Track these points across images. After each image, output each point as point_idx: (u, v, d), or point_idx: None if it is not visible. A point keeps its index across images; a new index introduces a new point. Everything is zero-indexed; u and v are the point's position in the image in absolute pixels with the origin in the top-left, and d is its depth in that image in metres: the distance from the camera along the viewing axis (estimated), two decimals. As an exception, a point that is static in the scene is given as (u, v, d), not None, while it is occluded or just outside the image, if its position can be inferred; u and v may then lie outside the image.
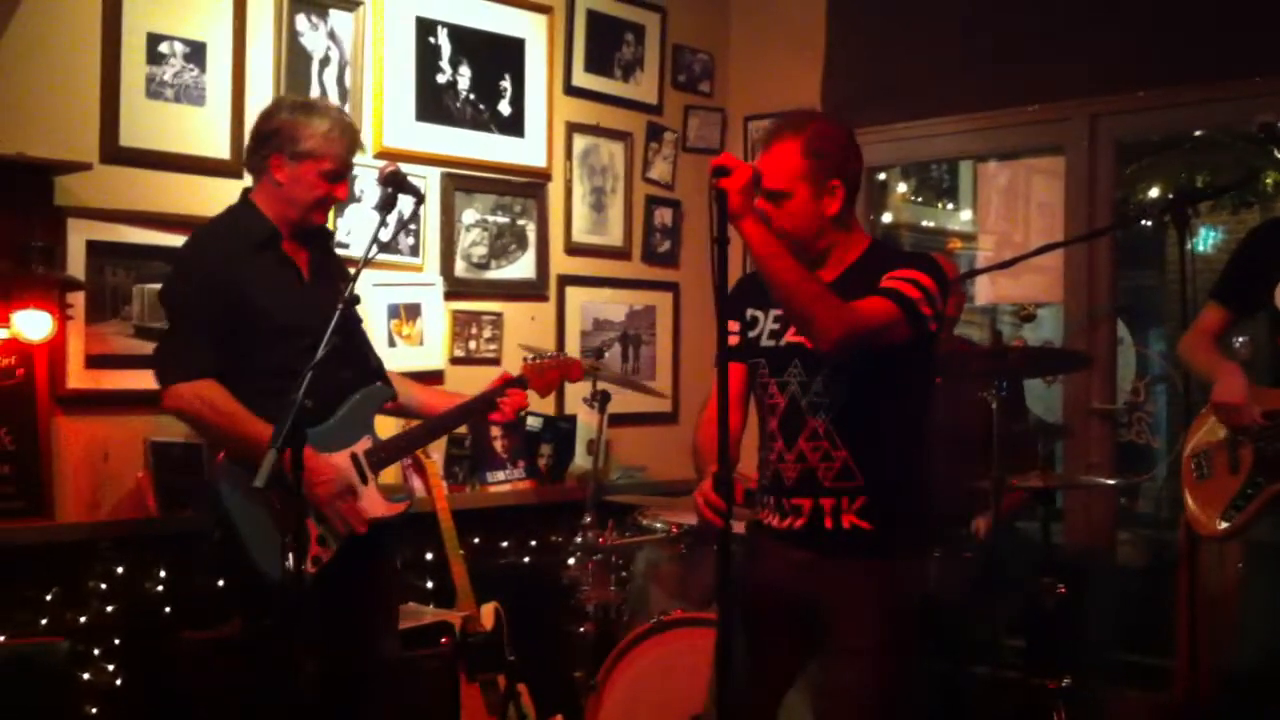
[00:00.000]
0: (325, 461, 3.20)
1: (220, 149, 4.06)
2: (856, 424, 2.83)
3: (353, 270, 3.03)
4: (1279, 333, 3.42)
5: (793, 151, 2.81)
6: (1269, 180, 5.74)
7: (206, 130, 4.02)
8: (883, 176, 5.91)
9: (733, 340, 2.87)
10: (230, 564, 3.31)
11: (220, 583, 3.67)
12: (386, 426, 3.59)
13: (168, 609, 3.81)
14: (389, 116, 4.48)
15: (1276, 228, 3.77)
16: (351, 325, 3.34)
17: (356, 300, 2.96)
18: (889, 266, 2.83)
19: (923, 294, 2.76)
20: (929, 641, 3.79)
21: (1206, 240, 6.31)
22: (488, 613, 4.23)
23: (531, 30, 4.95)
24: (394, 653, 3.49)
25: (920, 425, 2.94)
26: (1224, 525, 3.43)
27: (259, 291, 3.22)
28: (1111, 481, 4.40)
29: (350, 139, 3.37)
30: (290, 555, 3.02)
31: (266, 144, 3.30)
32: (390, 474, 4.20)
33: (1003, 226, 5.28)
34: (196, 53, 4.00)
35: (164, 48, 3.93)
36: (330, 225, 3.76)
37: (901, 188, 6.38)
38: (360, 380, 3.39)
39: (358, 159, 3.82)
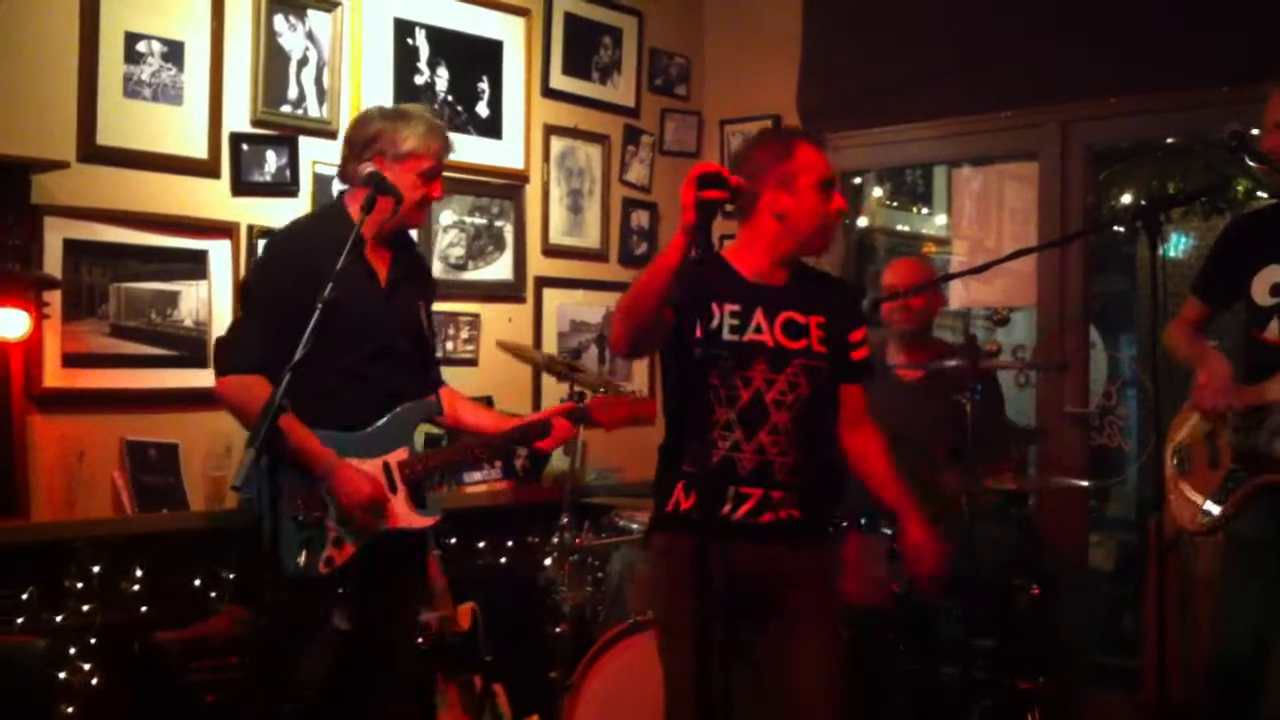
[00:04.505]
0: (355, 470, 3.22)
1: (198, 148, 4.06)
2: (810, 425, 3.01)
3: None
4: (1254, 324, 3.42)
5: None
6: (1239, 187, 5.78)
7: (184, 130, 4.03)
8: (858, 181, 5.94)
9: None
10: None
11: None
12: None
13: (144, 608, 3.80)
14: (367, 117, 4.48)
15: (1251, 221, 3.75)
16: (419, 333, 3.44)
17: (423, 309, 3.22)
18: (838, 301, 3.09)
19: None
20: (902, 641, 3.84)
21: (1178, 246, 6.35)
22: (464, 613, 4.23)
23: (509, 32, 4.97)
24: (410, 665, 3.56)
25: None
26: (1205, 520, 3.45)
27: (338, 292, 3.18)
28: (1084, 483, 4.43)
29: (444, 139, 3.43)
30: (305, 553, 3.13)
31: (367, 149, 3.35)
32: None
33: (976, 231, 5.31)
34: (174, 52, 4.00)
35: (142, 47, 3.93)
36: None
37: (877, 192, 6.41)
38: (416, 390, 3.42)
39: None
